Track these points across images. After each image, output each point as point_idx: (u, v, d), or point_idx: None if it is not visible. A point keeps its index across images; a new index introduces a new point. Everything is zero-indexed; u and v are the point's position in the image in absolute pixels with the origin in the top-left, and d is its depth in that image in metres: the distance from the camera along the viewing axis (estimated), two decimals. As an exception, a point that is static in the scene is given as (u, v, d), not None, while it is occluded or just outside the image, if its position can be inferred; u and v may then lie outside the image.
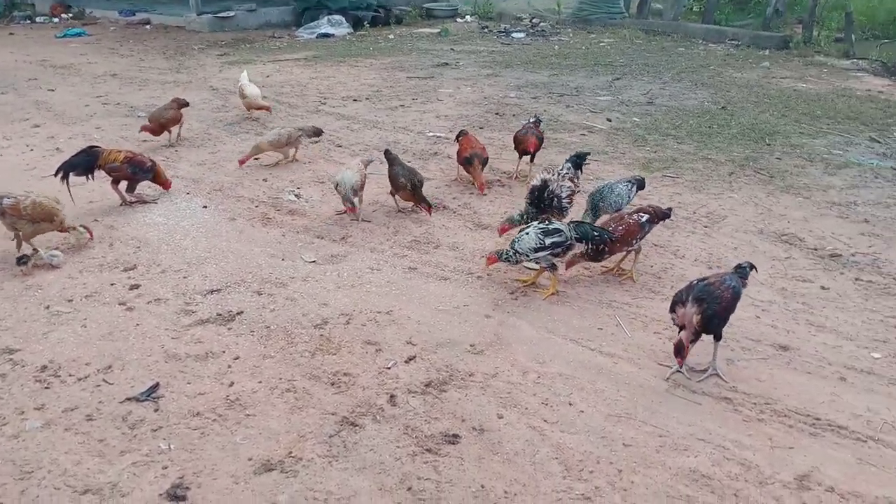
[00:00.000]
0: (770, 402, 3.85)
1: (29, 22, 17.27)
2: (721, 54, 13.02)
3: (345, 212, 6.14)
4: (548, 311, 4.75)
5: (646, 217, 5.06)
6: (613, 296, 4.92)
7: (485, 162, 6.58)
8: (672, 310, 4.01)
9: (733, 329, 4.38)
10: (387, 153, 6.28)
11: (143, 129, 7.79)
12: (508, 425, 3.67)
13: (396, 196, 6.19)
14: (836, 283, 5.12)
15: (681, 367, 3.96)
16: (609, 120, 8.97)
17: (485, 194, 6.58)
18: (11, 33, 15.66)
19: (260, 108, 8.81)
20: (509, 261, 4.87)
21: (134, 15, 17.04)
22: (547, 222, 4.94)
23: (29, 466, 3.37)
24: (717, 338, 4.01)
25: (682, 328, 3.92)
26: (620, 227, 4.94)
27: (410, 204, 6.19)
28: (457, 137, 6.93)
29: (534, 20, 16.24)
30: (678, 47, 13.68)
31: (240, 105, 9.10)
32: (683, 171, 7.20)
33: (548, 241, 4.79)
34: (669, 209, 5.33)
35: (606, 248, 4.90)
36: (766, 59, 12.57)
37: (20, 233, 5.23)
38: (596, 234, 4.89)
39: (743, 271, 4.25)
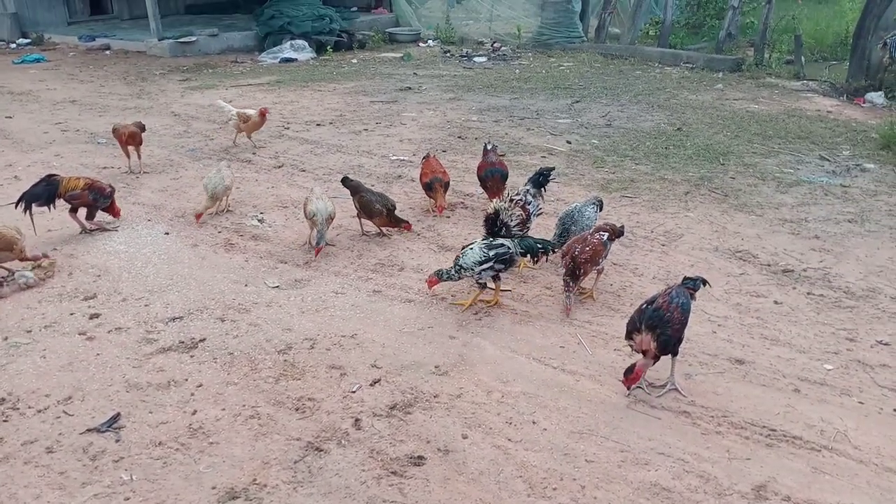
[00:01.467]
0: (727, 414, 3.95)
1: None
2: (676, 77, 13.35)
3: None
4: (511, 330, 4.81)
5: (606, 235, 5.16)
6: (575, 314, 5.00)
7: (446, 186, 6.66)
8: (629, 337, 4.08)
9: (690, 344, 4.49)
10: (346, 181, 6.28)
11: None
12: (473, 445, 3.71)
13: (363, 219, 6.22)
14: (788, 297, 5.27)
15: (629, 388, 4.04)
16: (569, 142, 9.13)
17: (448, 217, 6.66)
18: (-34, 60, 15.43)
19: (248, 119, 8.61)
20: (451, 279, 4.94)
21: (94, 40, 16.86)
22: (491, 239, 5.07)
23: (-14, 501, 3.32)
24: (674, 354, 4.10)
25: (644, 352, 4.00)
26: (588, 248, 4.99)
27: (377, 227, 6.23)
28: (423, 159, 7.01)
29: (495, 45, 16.48)
30: (635, 70, 13.99)
31: (202, 130, 9.08)
32: (641, 192, 7.36)
33: (492, 253, 4.89)
34: (622, 226, 5.45)
35: (580, 270, 4.97)
36: (720, 81, 12.92)
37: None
38: (540, 246, 5.00)
39: (692, 283, 4.34)
